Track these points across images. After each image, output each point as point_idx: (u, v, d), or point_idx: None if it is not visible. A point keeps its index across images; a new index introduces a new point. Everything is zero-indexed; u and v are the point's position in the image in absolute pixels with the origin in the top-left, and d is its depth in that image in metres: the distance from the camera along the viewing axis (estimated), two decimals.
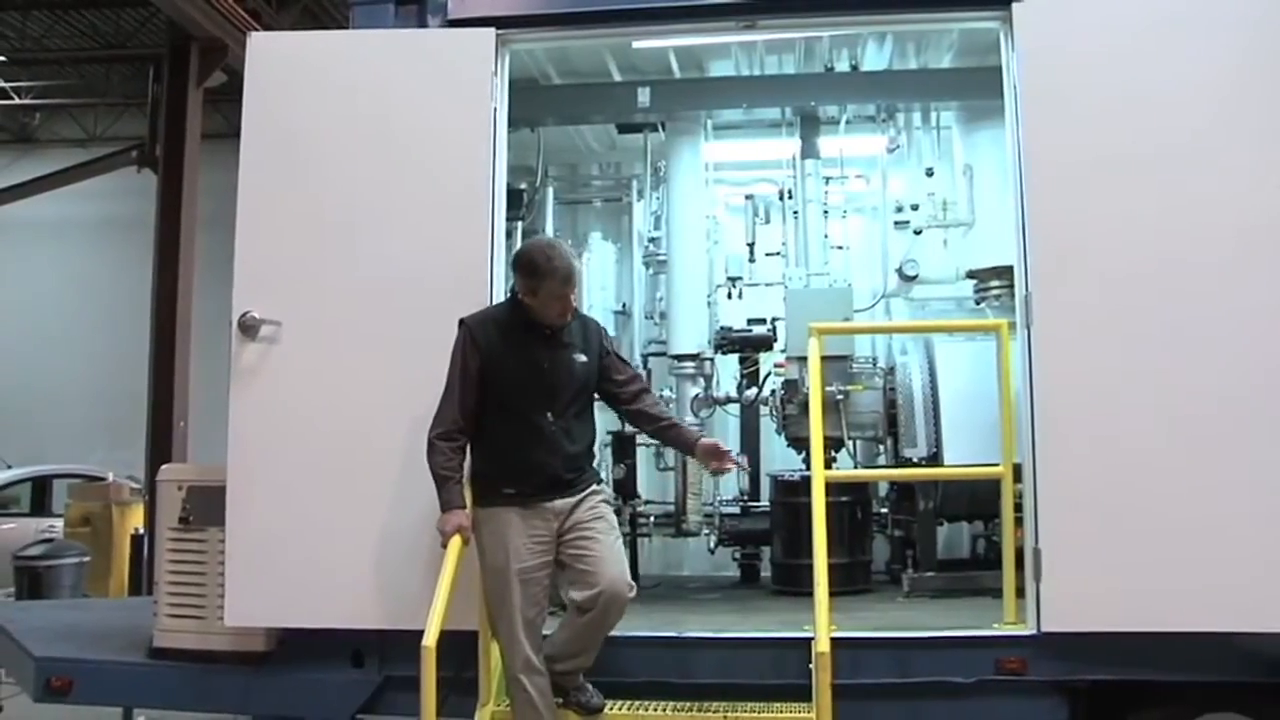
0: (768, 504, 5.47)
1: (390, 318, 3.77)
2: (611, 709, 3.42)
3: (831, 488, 4.01)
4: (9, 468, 11.37)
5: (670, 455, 5.69)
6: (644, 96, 5.40)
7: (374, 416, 3.72)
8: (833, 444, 5.07)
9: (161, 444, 9.90)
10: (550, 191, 6.23)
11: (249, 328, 3.77)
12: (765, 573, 5.50)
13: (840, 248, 5.98)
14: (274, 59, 3.99)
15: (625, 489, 5.41)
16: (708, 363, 5.80)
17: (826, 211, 5.93)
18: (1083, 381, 3.56)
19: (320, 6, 12.60)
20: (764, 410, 5.65)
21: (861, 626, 3.81)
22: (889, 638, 3.71)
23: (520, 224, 5.90)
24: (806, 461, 5.04)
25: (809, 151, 5.88)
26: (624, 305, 6.39)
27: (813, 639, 3.20)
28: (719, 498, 5.76)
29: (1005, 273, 4.72)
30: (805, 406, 4.78)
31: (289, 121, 3.90)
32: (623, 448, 5.49)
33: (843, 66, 5.60)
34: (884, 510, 5.42)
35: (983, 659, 3.58)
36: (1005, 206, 3.93)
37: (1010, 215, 3.79)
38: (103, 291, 15.27)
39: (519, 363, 3.35)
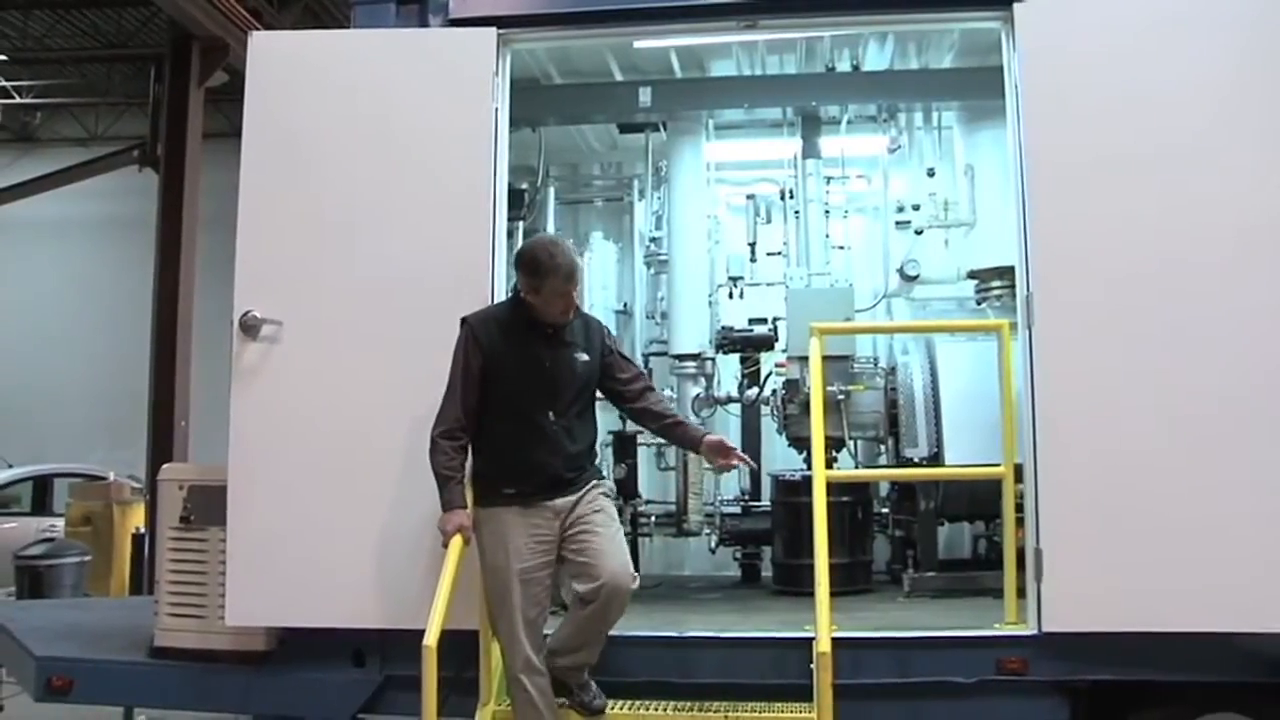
0: (769, 504, 5.47)
1: (391, 317, 3.77)
2: (612, 708, 3.42)
3: (832, 488, 4.01)
4: (10, 467, 11.37)
5: (671, 455, 5.70)
6: (645, 96, 5.40)
7: (375, 416, 3.72)
8: (834, 444, 5.07)
9: (162, 443, 9.90)
10: (551, 191, 6.23)
11: (250, 327, 3.77)
12: (766, 572, 5.50)
13: (841, 248, 5.97)
14: (275, 58, 3.99)
15: (626, 489, 5.41)
16: (709, 362, 5.81)
17: (828, 211, 5.93)
18: (1084, 382, 3.56)
19: (321, 6, 12.60)
20: (765, 410, 5.65)
21: (862, 626, 3.81)
22: (890, 638, 3.71)
23: (521, 224, 5.90)
24: (807, 461, 5.05)
25: (810, 151, 5.88)
26: (625, 305, 6.39)
27: (814, 639, 3.20)
28: (720, 497, 5.76)
29: (1006, 273, 4.72)
30: (806, 406, 4.79)
31: (290, 121, 3.90)
32: (624, 447, 5.49)
33: (844, 66, 5.61)
34: (885, 510, 5.41)
35: (983, 659, 3.58)
36: (1006, 207, 3.93)
37: (1011, 215, 3.79)
38: (104, 291, 15.27)
39: (521, 361, 3.35)
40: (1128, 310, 3.56)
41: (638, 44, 5.01)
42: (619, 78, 5.53)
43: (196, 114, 10.59)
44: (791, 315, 5.31)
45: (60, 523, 10.13)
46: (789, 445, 5.47)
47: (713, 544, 5.62)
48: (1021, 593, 3.72)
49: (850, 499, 5.07)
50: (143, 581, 8.69)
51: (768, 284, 5.91)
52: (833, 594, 3.32)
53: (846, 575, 4.82)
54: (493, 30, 3.94)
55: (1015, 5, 3.74)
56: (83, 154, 14.03)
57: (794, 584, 4.91)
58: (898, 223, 5.85)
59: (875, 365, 5.38)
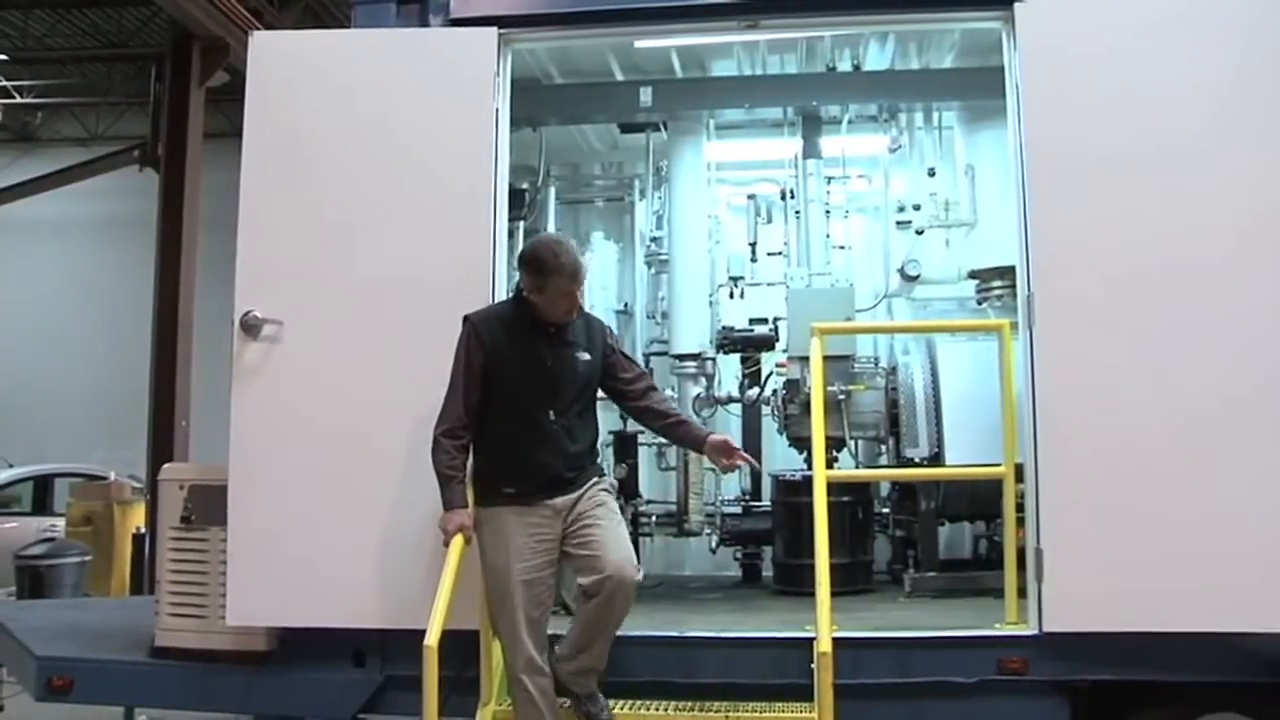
0: (769, 504, 5.47)
1: (392, 317, 3.77)
2: (614, 708, 3.42)
3: (833, 488, 4.01)
4: (10, 467, 11.38)
5: (672, 455, 5.70)
6: (646, 96, 5.41)
7: (375, 416, 3.72)
8: (834, 444, 5.07)
9: (163, 443, 9.90)
10: (552, 191, 6.23)
11: (251, 327, 3.77)
12: (767, 572, 5.50)
13: (842, 247, 5.97)
14: (276, 58, 3.99)
15: (627, 489, 5.41)
16: (709, 362, 5.81)
17: (828, 211, 5.92)
18: (1084, 382, 3.56)
19: (322, 6, 12.60)
20: (766, 410, 5.64)
21: (863, 626, 3.81)
22: (890, 638, 3.71)
23: (522, 224, 5.90)
24: (808, 461, 5.04)
25: (811, 151, 5.87)
26: (626, 305, 6.39)
27: (814, 639, 3.20)
28: (720, 497, 5.76)
29: (1007, 273, 4.71)
30: (807, 406, 4.79)
31: (291, 121, 3.90)
32: (624, 447, 5.49)
33: (845, 66, 5.61)
34: (885, 510, 5.41)
35: (984, 659, 3.58)
36: (1007, 206, 3.93)
37: (1012, 215, 3.79)
38: (104, 291, 15.28)
39: (522, 360, 3.35)
40: (1128, 310, 3.56)
41: (638, 44, 5.01)
42: (620, 77, 5.53)
43: (197, 114, 10.59)
44: (792, 315, 5.31)
45: (61, 522, 10.13)
46: (790, 445, 5.47)
47: (713, 544, 5.62)
48: (1022, 593, 3.72)
49: (851, 499, 5.07)
50: (143, 581, 8.69)
51: (768, 284, 5.91)
52: (833, 594, 3.31)
53: (847, 575, 4.82)
54: (493, 30, 3.94)
55: (1016, 5, 3.74)
56: (83, 154, 14.03)
57: (795, 584, 4.91)
58: (898, 222, 5.85)
59: (876, 365, 5.38)
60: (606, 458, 5.29)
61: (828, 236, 5.87)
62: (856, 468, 5.48)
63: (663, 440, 5.63)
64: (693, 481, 5.53)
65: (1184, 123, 3.60)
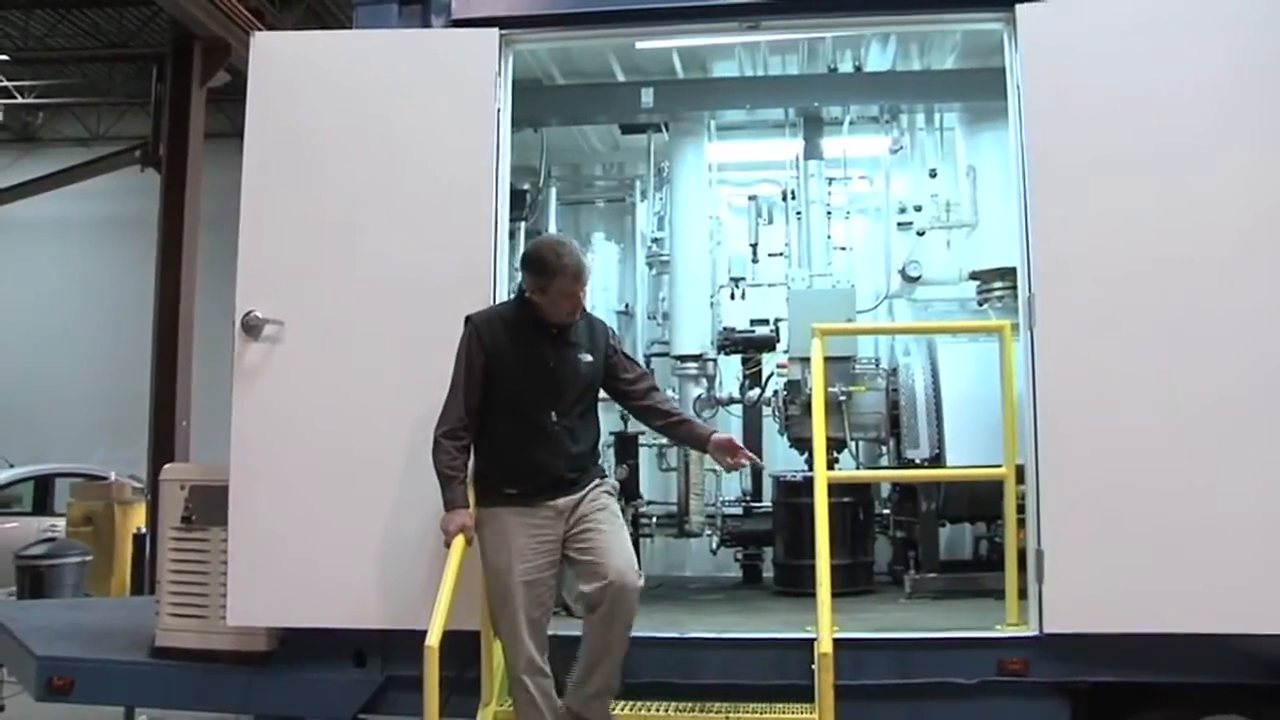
0: (770, 505, 5.47)
1: (393, 318, 3.77)
2: (615, 709, 3.41)
3: (834, 489, 4.00)
4: (11, 467, 11.38)
5: (673, 456, 5.70)
6: (647, 97, 5.41)
7: (377, 416, 3.72)
8: (835, 445, 5.07)
9: (164, 443, 9.89)
10: (553, 192, 6.23)
11: (252, 327, 3.78)
12: (767, 573, 5.50)
13: (843, 248, 5.98)
14: (278, 59, 4.00)
15: (628, 490, 5.41)
16: (710, 363, 5.81)
17: (829, 212, 5.93)
18: (1085, 383, 3.56)
19: (323, 6, 12.61)
20: (766, 411, 5.65)
21: (864, 627, 3.81)
22: (891, 639, 3.71)
23: (523, 224, 5.91)
24: (809, 462, 5.04)
25: (812, 152, 5.88)
26: (627, 305, 6.39)
27: (815, 640, 3.20)
28: (721, 498, 5.76)
29: (1008, 274, 4.72)
30: (808, 407, 4.78)
31: (293, 121, 3.90)
32: (625, 448, 5.50)
33: (846, 67, 5.61)
34: (886, 511, 5.41)
35: (985, 660, 3.58)
36: (1008, 208, 3.93)
37: (1013, 216, 3.79)
38: (105, 291, 15.28)
39: (524, 361, 3.35)
40: (1129, 311, 3.55)
41: (640, 45, 5.01)
42: (621, 78, 5.53)
43: (198, 114, 10.59)
44: (793, 316, 5.31)
45: (61, 523, 10.14)
46: (790, 446, 5.47)
47: (714, 545, 5.62)
48: (1023, 594, 3.72)
49: (852, 500, 5.07)
50: (144, 581, 8.69)
51: (769, 285, 5.92)
52: (834, 595, 3.32)
53: (848, 576, 4.82)
54: (495, 31, 3.94)
55: (1017, 6, 3.74)
56: (84, 154, 14.03)
57: (795, 585, 4.91)
58: (899, 224, 5.85)
59: (877, 366, 5.37)
60: (607, 459, 5.29)
61: (829, 237, 5.87)
62: (857, 469, 5.48)
63: (663, 441, 5.66)
64: (693, 482, 5.54)
65: (1184, 124, 3.60)
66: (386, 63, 3.94)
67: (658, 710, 3.46)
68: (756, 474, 5.68)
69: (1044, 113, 3.69)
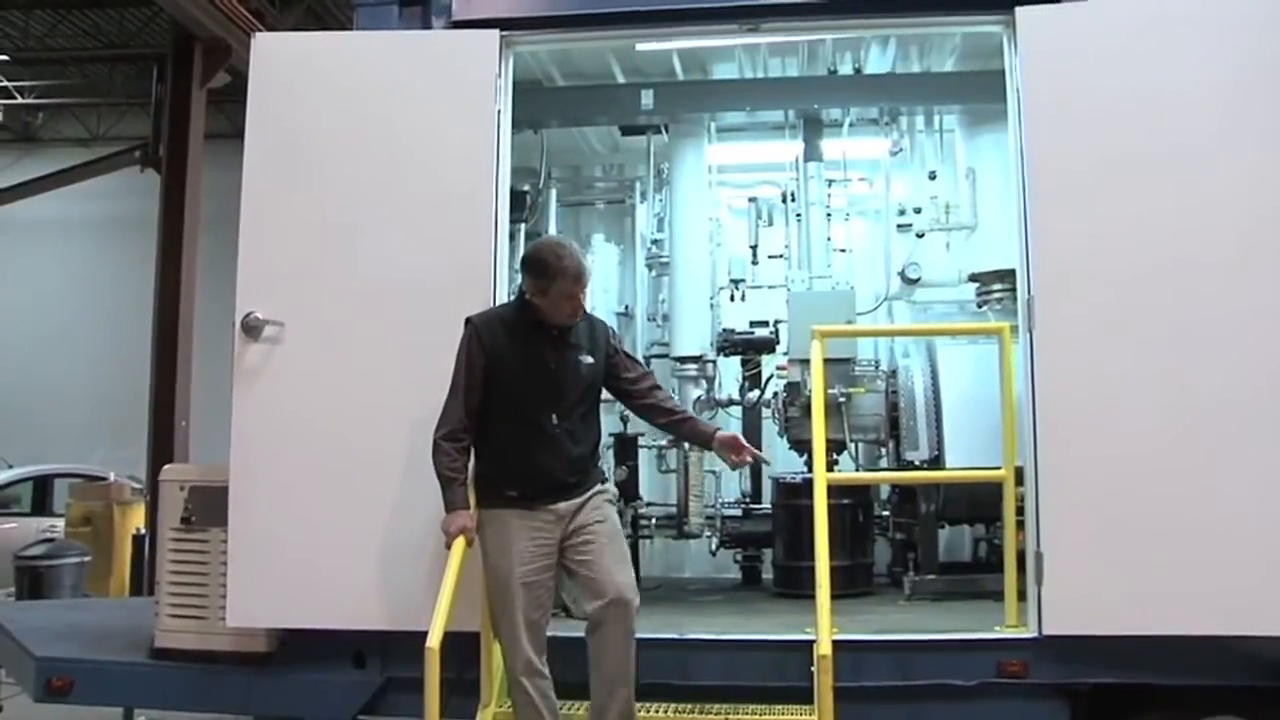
0: (769, 506, 5.47)
1: (393, 319, 3.77)
2: None
3: (833, 490, 4.00)
4: (10, 467, 11.37)
5: (672, 457, 5.70)
6: (647, 99, 5.42)
7: (377, 418, 3.72)
8: (834, 447, 5.07)
9: (163, 444, 9.90)
10: (553, 193, 6.24)
11: (252, 328, 3.78)
12: (767, 575, 5.50)
13: (843, 250, 5.98)
14: (278, 60, 4.00)
15: (627, 491, 5.41)
16: (710, 365, 5.81)
17: (829, 214, 5.93)
18: (1084, 385, 3.56)
19: (324, 7, 12.61)
20: (766, 413, 5.65)
21: (863, 629, 3.80)
22: (890, 640, 3.71)
23: (523, 226, 5.91)
24: (808, 464, 5.04)
25: (812, 154, 5.88)
26: (626, 307, 6.39)
27: (814, 641, 3.20)
28: (720, 500, 5.76)
29: (1008, 276, 4.72)
30: (807, 409, 4.79)
31: (293, 122, 3.91)
32: (625, 449, 5.50)
33: (846, 69, 5.62)
34: (885, 513, 5.41)
35: (984, 662, 3.58)
36: (1008, 210, 3.93)
37: (1013, 219, 3.79)
38: (105, 291, 15.28)
39: (525, 363, 3.34)
40: (1128, 313, 3.56)
41: (640, 46, 5.01)
42: (621, 80, 5.53)
43: (198, 115, 10.60)
44: (793, 318, 5.31)
45: (60, 523, 10.13)
46: (790, 448, 5.47)
47: (713, 546, 5.62)
48: (1022, 596, 3.72)
49: (851, 502, 5.07)
50: (143, 582, 8.69)
51: (769, 286, 5.92)
52: (833, 596, 3.32)
53: (847, 578, 4.82)
54: (495, 32, 3.95)
55: (1017, 9, 3.74)
56: (84, 154, 14.02)
57: (795, 586, 4.91)
58: (899, 226, 5.86)
59: (876, 368, 5.38)
60: (607, 460, 5.29)
61: (828, 239, 5.87)
62: (857, 470, 5.48)
63: (663, 443, 5.66)
64: (693, 484, 5.54)
65: (1185, 126, 3.60)
66: (387, 64, 3.94)
67: (657, 711, 3.46)
68: (756, 475, 5.68)
69: (1043, 115, 3.69)
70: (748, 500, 5.72)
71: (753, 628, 4.07)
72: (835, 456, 5.15)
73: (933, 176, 5.82)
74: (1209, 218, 3.56)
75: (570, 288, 3.31)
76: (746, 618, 4.46)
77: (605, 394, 3.58)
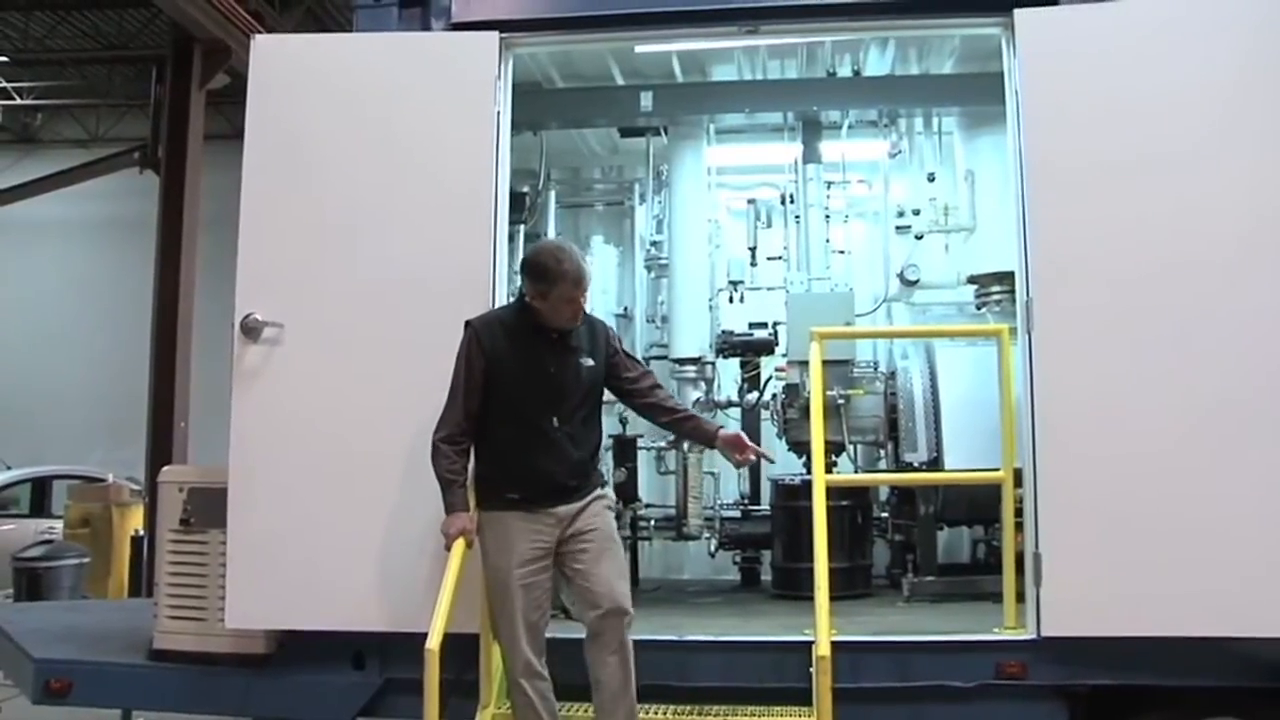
0: (768, 508, 5.47)
1: (393, 320, 3.77)
2: None
3: (832, 492, 4.00)
4: (8, 469, 11.36)
5: (671, 459, 5.70)
6: (646, 100, 5.42)
7: (376, 419, 3.72)
8: (833, 448, 5.07)
9: (162, 445, 9.90)
10: (552, 195, 6.25)
11: (251, 330, 3.78)
12: (766, 576, 5.50)
13: (842, 252, 5.98)
14: (278, 61, 4.00)
15: (626, 492, 5.41)
16: (709, 366, 5.81)
17: (828, 216, 5.93)
18: (1083, 387, 3.57)
19: (323, 9, 12.62)
20: (765, 414, 5.65)
21: (862, 630, 3.81)
22: (889, 642, 3.71)
23: (522, 227, 5.91)
24: (807, 466, 5.05)
25: (811, 156, 5.88)
26: (625, 309, 6.40)
27: (813, 643, 3.21)
28: (719, 501, 5.76)
29: (1006, 278, 4.73)
30: (806, 410, 4.79)
31: (292, 124, 3.91)
32: (624, 451, 5.50)
33: (845, 71, 5.62)
34: (884, 515, 5.42)
35: (983, 663, 3.58)
36: (1007, 212, 3.93)
37: (1011, 220, 3.79)
38: (104, 292, 15.28)
39: (525, 367, 3.33)
40: (1127, 315, 3.56)
41: (639, 48, 5.02)
42: (620, 82, 5.54)
43: (198, 116, 10.61)
44: (791, 320, 5.31)
45: (59, 525, 10.12)
46: (789, 449, 5.47)
47: (712, 548, 5.62)
48: (1020, 597, 3.72)
49: (850, 503, 5.07)
50: (141, 584, 8.68)
51: (768, 288, 5.91)
52: (832, 598, 3.32)
53: (846, 579, 4.82)
54: (495, 34, 3.95)
55: (1016, 11, 3.75)
56: (84, 155, 14.02)
57: (793, 588, 4.91)
58: (898, 227, 5.87)
59: (875, 370, 5.39)
60: (606, 462, 5.30)
61: (827, 241, 5.88)
62: (855, 472, 5.49)
63: (662, 444, 5.67)
64: (692, 485, 5.54)
65: (1184, 128, 3.61)
66: (386, 66, 3.94)
67: (656, 713, 3.46)
68: (755, 477, 5.68)
69: (1042, 117, 3.69)
70: (746, 502, 5.72)
71: (752, 629, 4.07)
72: (834, 458, 5.15)
73: (931, 178, 5.82)
74: (1208, 219, 3.56)
75: (571, 292, 3.29)
76: (745, 619, 4.46)
77: (606, 395, 3.57)
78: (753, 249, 6.04)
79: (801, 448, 5.28)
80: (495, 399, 3.34)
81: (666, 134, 5.97)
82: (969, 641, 3.68)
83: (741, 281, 5.96)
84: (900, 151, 5.96)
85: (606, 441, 5.27)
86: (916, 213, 5.79)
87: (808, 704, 3.27)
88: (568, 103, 5.66)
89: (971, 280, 5.48)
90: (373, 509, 3.71)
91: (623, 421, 5.51)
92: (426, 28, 4.12)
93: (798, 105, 5.76)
